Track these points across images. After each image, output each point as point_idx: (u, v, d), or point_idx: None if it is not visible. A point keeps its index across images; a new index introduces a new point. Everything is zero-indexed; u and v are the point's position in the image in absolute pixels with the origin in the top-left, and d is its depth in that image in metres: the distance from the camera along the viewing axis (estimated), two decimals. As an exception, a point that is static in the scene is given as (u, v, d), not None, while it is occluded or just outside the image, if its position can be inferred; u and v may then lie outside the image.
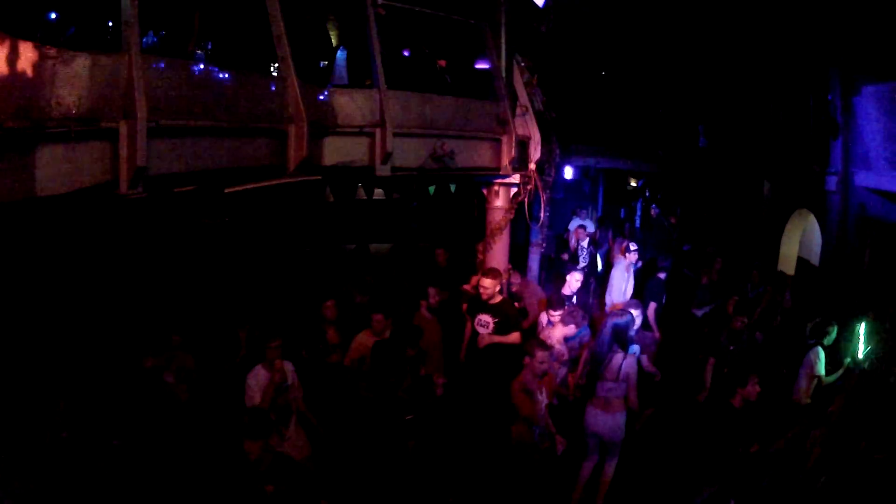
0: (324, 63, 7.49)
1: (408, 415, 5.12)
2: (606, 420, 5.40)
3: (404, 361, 5.28)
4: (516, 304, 7.20)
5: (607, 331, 5.48)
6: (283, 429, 5.06)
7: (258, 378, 5.03)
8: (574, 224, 11.50)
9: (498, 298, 6.29)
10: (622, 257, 9.03)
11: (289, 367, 5.25)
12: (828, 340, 6.36)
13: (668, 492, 5.40)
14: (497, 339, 6.15)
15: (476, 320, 6.28)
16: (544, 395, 5.32)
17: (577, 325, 6.36)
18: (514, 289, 7.91)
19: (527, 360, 5.34)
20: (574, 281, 7.55)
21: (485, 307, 6.23)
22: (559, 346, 6.24)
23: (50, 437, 4.52)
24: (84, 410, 4.81)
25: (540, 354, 5.26)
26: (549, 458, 5.34)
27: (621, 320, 5.48)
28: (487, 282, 6.17)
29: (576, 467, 5.63)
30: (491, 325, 6.18)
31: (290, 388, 5.19)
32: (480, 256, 8.42)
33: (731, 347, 6.66)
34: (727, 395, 5.34)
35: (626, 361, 5.35)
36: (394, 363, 5.12)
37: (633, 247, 8.95)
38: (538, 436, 5.21)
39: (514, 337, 6.23)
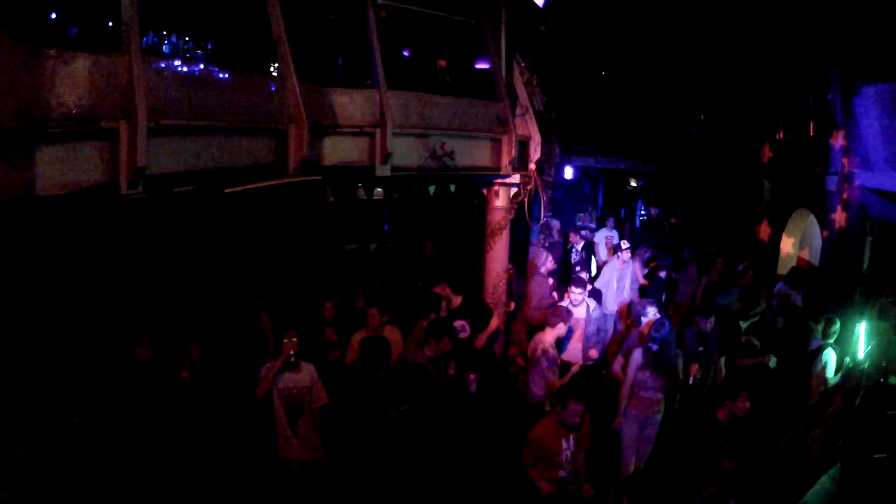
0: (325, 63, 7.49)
1: (401, 406, 5.11)
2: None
3: (390, 356, 5.30)
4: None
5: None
6: (294, 426, 5.06)
7: (270, 371, 5.05)
8: (600, 233, 11.51)
9: (458, 300, 6.65)
10: (614, 257, 9.09)
11: (309, 368, 5.22)
12: (834, 338, 6.40)
13: (668, 492, 5.39)
14: (486, 333, 6.46)
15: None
16: (571, 442, 4.97)
17: (566, 322, 6.41)
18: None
19: (557, 408, 5.00)
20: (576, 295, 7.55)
21: (453, 313, 6.44)
22: (552, 351, 6.31)
23: (60, 423, 4.54)
24: (85, 410, 4.82)
25: (573, 408, 4.85)
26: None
27: (657, 334, 5.81)
28: (437, 290, 6.59)
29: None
30: (468, 327, 6.30)
31: (307, 390, 5.15)
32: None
33: (701, 349, 6.60)
34: (714, 406, 5.30)
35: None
36: (381, 359, 5.10)
37: (624, 245, 8.99)
38: (564, 482, 4.98)
39: (493, 324, 6.70)
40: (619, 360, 6.61)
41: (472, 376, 5.69)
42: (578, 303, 7.21)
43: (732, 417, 5.09)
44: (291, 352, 5.03)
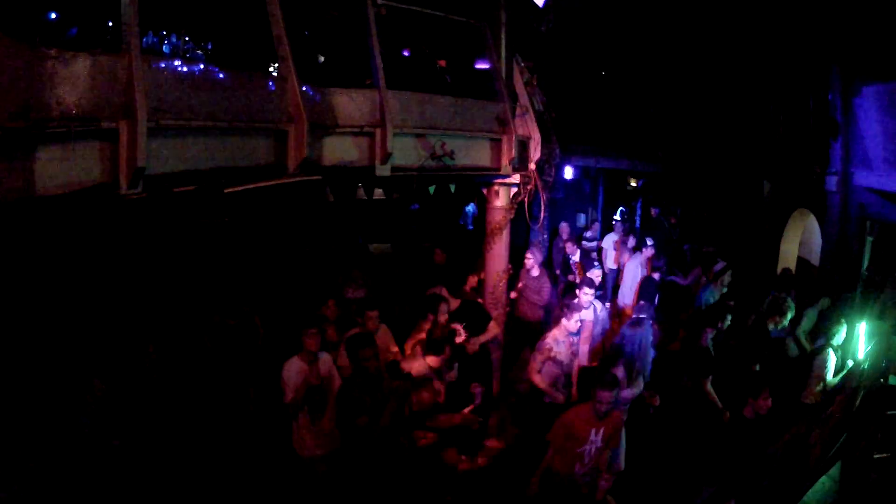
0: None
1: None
2: None
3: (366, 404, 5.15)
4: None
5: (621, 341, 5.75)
6: (318, 420, 5.11)
7: (293, 369, 5.09)
8: (608, 239, 11.21)
9: (455, 303, 6.54)
10: (637, 253, 9.06)
11: (325, 357, 5.26)
12: (836, 341, 6.39)
13: (668, 492, 5.39)
14: (480, 339, 6.33)
15: None
16: (600, 436, 4.85)
17: (582, 308, 6.44)
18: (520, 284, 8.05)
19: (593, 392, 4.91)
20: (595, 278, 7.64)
21: (450, 316, 6.34)
22: (563, 339, 6.28)
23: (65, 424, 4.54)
24: (82, 409, 4.82)
25: (601, 395, 4.77)
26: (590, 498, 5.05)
27: (629, 332, 5.77)
28: (434, 291, 6.55)
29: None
30: (462, 331, 6.23)
31: (327, 380, 5.19)
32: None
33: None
34: (739, 406, 5.27)
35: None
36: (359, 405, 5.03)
37: (649, 242, 9.01)
38: (580, 475, 4.87)
39: (492, 329, 6.58)
40: None
41: (477, 389, 5.66)
42: (588, 304, 7.00)
43: (757, 415, 5.03)
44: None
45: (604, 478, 4.83)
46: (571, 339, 6.31)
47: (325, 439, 5.14)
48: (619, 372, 5.73)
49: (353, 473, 4.98)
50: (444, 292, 6.86)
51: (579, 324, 6.43)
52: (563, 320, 6.35)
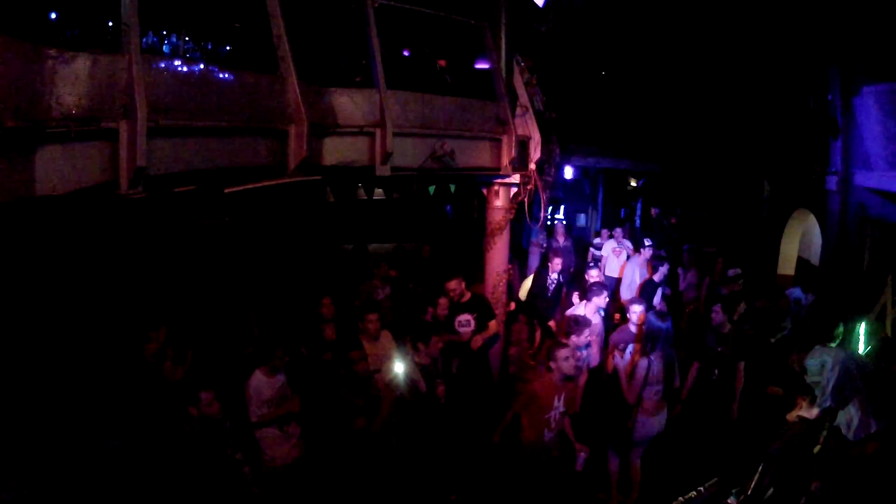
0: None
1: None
2: (659, 421, 5.65)
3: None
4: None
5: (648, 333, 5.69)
6: (287, 428, 5.09)
7: (255, 384, 5.02)
8: (607, 246, 10.63)
9: (468, 295, 6.57)
10: (637, 254, 9.06)
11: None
12: (835, 343, 6.36)
13: (668, 491, 5.38)
14: (483, 335, 6.34)
15: (456, 322, 6.36)
16: (562, 401, 5.00)
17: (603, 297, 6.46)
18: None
19: (551, 364, 4.99)
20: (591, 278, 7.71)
21: (461, 307, 6.43)
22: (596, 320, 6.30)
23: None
24: (82, 409, 4.82)
25: (562, 353, 4.92)
26: (564, 466, 5.20)
27: (661, 324, 5.68)
28: (452, 284, 6.46)
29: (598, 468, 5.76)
30: (473, 322, 6.32)
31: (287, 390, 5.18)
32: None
33: (720, 349, 6.40)
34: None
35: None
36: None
37: (647, 242, 9.02)
38: (549, 440, 5.00)
39: (493, 326, 6.58)
40: (616, 356, 6.32)
41: (441, 389, 5.64)
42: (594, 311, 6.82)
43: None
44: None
45: (583, 449, 5.06)
46: (579, 354, 6.15)
47: (292, 447, 5.13)
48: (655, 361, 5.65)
49: (330, 477, 5.04)
50: (462, 285, 6.62)
51: (588, 339, 6.16)
52: (573, 336, 5.94)
